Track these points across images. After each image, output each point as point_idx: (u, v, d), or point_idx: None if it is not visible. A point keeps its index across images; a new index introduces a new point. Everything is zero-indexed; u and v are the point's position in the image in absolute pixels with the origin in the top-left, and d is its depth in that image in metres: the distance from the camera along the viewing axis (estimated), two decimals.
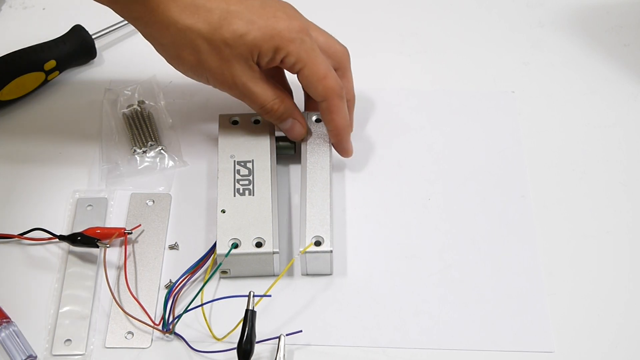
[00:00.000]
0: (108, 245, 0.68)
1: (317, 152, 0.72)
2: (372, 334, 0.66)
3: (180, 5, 0.66)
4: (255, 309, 0.63)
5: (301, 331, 0.65)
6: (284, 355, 0.63)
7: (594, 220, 0.73)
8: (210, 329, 0.65)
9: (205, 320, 0.65)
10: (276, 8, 0.68)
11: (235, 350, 0.62)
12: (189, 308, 0.65)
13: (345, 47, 0.73)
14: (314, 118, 0.74)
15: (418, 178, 0.76)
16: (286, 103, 0.71)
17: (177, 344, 0.65)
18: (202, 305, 0.66)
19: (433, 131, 0.79)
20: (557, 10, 0.89)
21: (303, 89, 0.71)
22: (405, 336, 0.66)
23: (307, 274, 0.69)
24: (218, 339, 0.65)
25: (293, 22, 0.68)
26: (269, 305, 0.67)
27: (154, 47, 0.69)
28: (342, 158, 0.76)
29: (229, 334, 0.65)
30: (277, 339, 0.63)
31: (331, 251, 0.67)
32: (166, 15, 0.66)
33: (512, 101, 0.81)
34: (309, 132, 0.73)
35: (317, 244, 0.67)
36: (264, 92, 0.69)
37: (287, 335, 0.63)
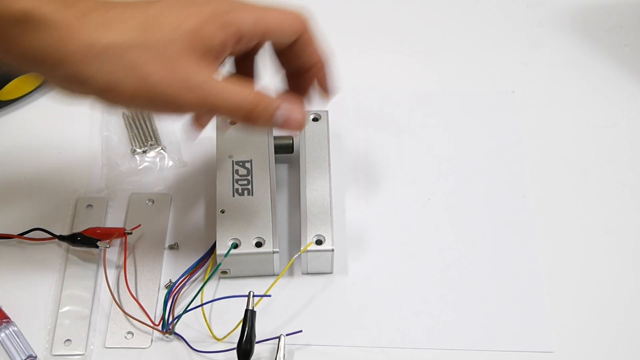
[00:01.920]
0: (108, 246, 0.68)
1: (316, 151, 0.72)
2: (372, 334, 0.66)
3: (94, 24, 0.54)
4: (255, 309, 0.62)
5: (301, 331, 0.65)
6: (284, 355, 0.62)
7: (594, 220, 0.73)
8: (210, 329, 0.65)
9: (205, 320, 0.65)
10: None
11: (235, 350, 0.62)
12: (188, 308, 0.65)
13: (298, 13, 0.60)
14: (311, 117, 0.74)
15: (418, 178, 0.76)
16: (265, 92, 0.58)
17: (177, 344, 0.65)
18: (202, 305, 0.66)
19: (433, 131, 0.79)
20: (557, 10, 0.89)
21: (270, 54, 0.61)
22: (405, 336, 0.66)
23: (308, 273, 0.69)
24: (218, 339, 0.65)
25: (222, 0, 0.58)
26: (269, 305, 0.67)
27: (77, 93, 0.56)
28: (342, 158, 0.76)
29: (229, 334, 0.65)
30: (277, 339, 0.63)
31: (333, 250, 0.67)
32: (80, 39, 0.53)
33: (512, 101, 0.81)
34: (305, 132, 0.73)
35: (319, 242, 0.67)
36: (234, 87, 0.57)
37: (287, 335, 0.63)
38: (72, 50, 0.53)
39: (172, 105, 0.56)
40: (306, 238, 0.67)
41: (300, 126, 0.60)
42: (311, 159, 0.72)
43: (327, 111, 0.75)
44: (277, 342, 0.63)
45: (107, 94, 0.55)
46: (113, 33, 0.54)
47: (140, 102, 0.56)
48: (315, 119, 0.74)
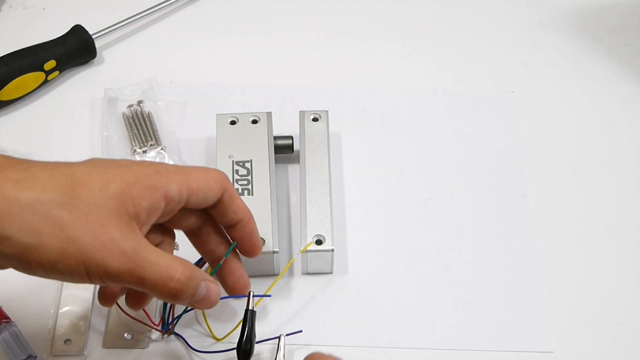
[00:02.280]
0: None
1: (315, 151, 0.72)
2: (372, 334, 0.66)
3: (14, 180, 0.50)
4: (255, 309, 0.62)
5: (301, 331, 0.65)
6: (284, 355, 0.62)
7: (594, 220, 0.73)
8: (210, 330, 0.65)
9: (206, 320, 0.65)
10: (120, 161, 0.56)
11: (235, 350, 0.62)
12: (188, 308, 0.65)
13: (217, 171, 0.59)
14: (311, 117, 0.74)
15: (418, 178, 0.76)
16: (191, 266, 0.55)
17: (177, 344, 0.65)
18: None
19: (433, 131, 0.79)
20: (557, 10, 0.89)
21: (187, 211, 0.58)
22: (405, 336, 0.66)
23: (308, 273, 0.69)
24: (218, 339, 0.65)
25: (144, 164, 0.56)
26: (269, 305, 0.67)
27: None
28: (341, 158, 0.76)
29: (228, 334, 0.65)
30: (277, 339, 0.63)
31: (333, 250, 0.67)
32: (1, 194, 0.49)
33: (512, 101, 0.81)
34: (305, 132, 0.73)
35: (319, 242, 0.67)
36: (166, 260, 0.53)
37: (287, 335, 0.63)
38: None
39: (100, 271, 0.51)
40: (306, 238, 0.67)
41: (215, 302, 0.57)
42: (311, 159, 0.72)
43: (327, 111, 0.75)
44: (277, 342, 0.63)
45: (31, 254, 0.49)
46: (36, 190, 0.50)
47: (66, 265, 0.50)
48: (315, 119, 0.74)
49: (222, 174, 0.58)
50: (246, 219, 0.60)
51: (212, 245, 0.61)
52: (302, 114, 0.74)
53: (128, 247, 0.51)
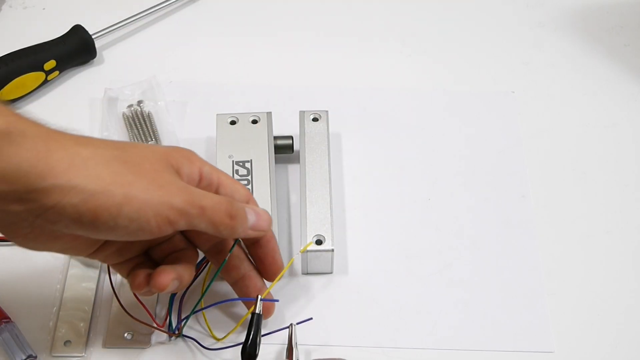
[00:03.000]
0: None
1: (315, 151, 0.72)
2: (372, 334, 0.66)
3: (73, 138, 0.54)
4: (261, 313, 0.62)
5: (312, 318, 0.64)
6: (296, 343, 0.62)
7: (594, 220, 0.73)
8: (210, 331, 0.65)
9: (206, 322, 0.65)
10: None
11: (240, 352, 0.62)
12: (195, 310, 0.65)
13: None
14: (311, 117, 0.74)
15: (418, 178, 0.76)
16: (232, 199, 0.59)
17: (177, 343, 0.65)
18: (209, 307, 0.66)
19: (433, 131, 0.79)
20: (557, 10, 0.89)
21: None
22: (405, 336, 0.66)
23: (308, 273, 0.69)
24: (218, 339, 0.65)
25: (181, 147, 0.60)
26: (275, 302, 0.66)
27: (62, 213, 0.51)
28: (341, 158, 0.76)
29: (227, 335, 0.65)
30: (288, 328, 0.63)
31: (333, 250, 0.67)
32: (64, 148, 0.52)
33: (512, 101, 0.81)
34: (305, 132, 0.73)
35: (319, 242, 0.67)
36: (211, 193, 0.58)
37: (297, 324, 0.63)
38: (57, 160, 0.51)
39: (165, 208, 0.54)
40: (306, 238, 0.67)
41: (268, 225, 0.61)
42: (311, 159, 0.72)
43: (327, 111, 0.75)
44: (289, 331, 0.63)
45: (98, 198, 0.52)
46: (93, 146, 0.54)
47: (132, 208, 0.53)
48: (315, 119, 0.74)
49: (248, 191, 0.62)
50: (269, 236, 0.63)
51: (236, 262, 0.63)
52: (302, 114, 0.75)
53: (182, 185, 0.56)
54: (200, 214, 0.55)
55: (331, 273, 0.69)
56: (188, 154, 0.59)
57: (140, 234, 0.54)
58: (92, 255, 0.58)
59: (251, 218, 0.59)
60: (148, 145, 0.58)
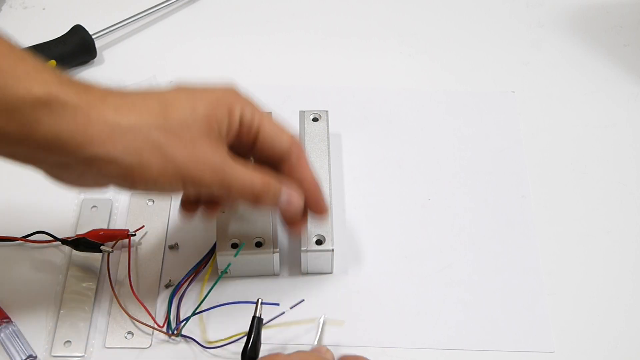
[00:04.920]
0: (111, 251, 0.68)
1: (315, 152, 0.72)
2: (372, 334, 0.66)
3: (113, 106, 0.54)
4: (262, 317, 0.62)
5: (303, 300, 0.66)
6: (319, 336, 0.63)
7: (594, 220, 0.73)
8: (205, 335, 0.65)
9: (202, 325, 0.65)
10: (203, 84, 0.60)
11: (240, 356, 0.62)
12: (196, 311, 0.65)
13: (295, 137, 0.63)
14: (311, 117, 0.74)
15: (418, 178, 0.76)
16: (273, 177, 0.61)
17: (177, 343, 0.65)
18: (209, 309, 0.66)
19: (433, 131, 0.79)
20: (557, 10, 0.89)
21: (260, 153, 0.62)
22: (405, 336, 0.66)
23: (308, 273, 0.69)
24: (211, 342, 0.65)
25: (227, 88, 0.61)
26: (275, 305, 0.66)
27: (104, 175, 0.55)
28: (342, 158, 0.76)
29: (225, 343, 0.65)
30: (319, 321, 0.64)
31: (333, 250, 0.67)
32: (104, 120, 0.53)
33: (512, 101, 0.81)
34: (305, 132, 0.73)
35: (319, 242, 0.67)
36: (249, 171, 0.59)
37: (291, 307, 0.64)
38: (96, 130, 0.53)
39: (195, 184, 0.57)
40: (307, 238, 0.67)
41: (299, 209, 0.62)
42: (311, 159, 0.72)
43: (327, 111, 0.75)
44: (318, 324, 0.64)
45: (134, 173, 0.55)
46: (134, 115, 0.55)
47: (166, 181, 0.56)
48: (315, 119, 0.74)
49: (298, 141, 0.62)
50: (312, 189, 0.63)
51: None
52: (302, 114, 0.74)
53: (217, 161, 0.57)
54: (227, 193, 0.59)
55: (331, 273, 0.69)
56: (229, 106, 0.59)
57: (171, 195, 0.62)
58: None
59: (283, 200, 0.61)
60: (191, 105, 0.57)
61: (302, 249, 0.67)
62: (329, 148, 0.73)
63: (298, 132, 0.74)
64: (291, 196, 0.61)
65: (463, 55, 0.85)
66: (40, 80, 0.52)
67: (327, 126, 0.74)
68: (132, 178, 0.55)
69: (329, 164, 0.72)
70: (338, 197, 0.74)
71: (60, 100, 0.52)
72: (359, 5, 0.90)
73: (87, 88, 0.54)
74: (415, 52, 0.86)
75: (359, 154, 0.77)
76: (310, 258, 0.68)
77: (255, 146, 0.61)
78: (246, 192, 0.59)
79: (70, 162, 0.54)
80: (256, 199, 0.59)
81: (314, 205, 0.64)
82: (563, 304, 0.68)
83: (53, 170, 0.55)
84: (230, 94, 0.59)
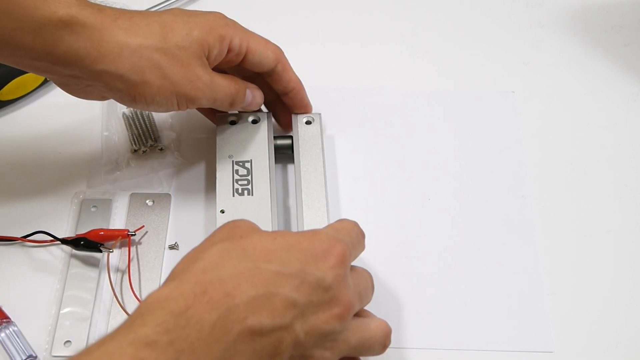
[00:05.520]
0: (111, 250, 0.68)
1: (310, 154, 0.72)
2: None
3: (123, 28, 0.63)
4: None
5: None
6: None
7: (594, 220, 0.73)
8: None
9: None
10: (196, 12, 0.68)
11: None
12: None
13: (277, 46, 0.72)
14: (304, 120, 0.74)
15: (418, 178, 0.76)
16: (241, 82, 0.71)
17: None
18: None
19: (433, 131, 0.79)
20: (557, 10, 0.89)
21: (247, 71, 0.71)
22: (405, 336, 0.66)
23: None
24: None
25: (217, 15, 0.69)
26: None
27: (109, 89, 0.65)
28: (342, 159, 0.76)
29: None
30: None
31: None
32: (115, 40, 0.63)
33: (512, 101, 0.81)
34: (300, 135, 0.73)
35: None
36: (227, 81, 0.69)
37: None
38: (109, 49, 0.62)
39: (188, 101, 0.67)
40: None
41: (259, 104, 0.73)
42: (306, 162, 0.72)
43: (319, 114, 0.75)
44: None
45: (136, 89, 0.64)
46: (140, 37, 0.64)
47: (163, 97, 0.65)
48: (308, 122, 0.74)
49: (279, 49, 0.71)
50: (297, 89, 0.73)
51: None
52: (295, 117, 0.74)
53: (207, 80, 0.67)
54: (212, 103, 0.68)
55: None
56: (221, 33, 0.67)
57: (167, 111, 0.68)
58: None
59: (247, 99, 0.71)
60: (188, 30, 0.66)
61: None
62: (323, 151, 0.73)
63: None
64: (255, 97, 0.71)
65: (463, 55, 0.85)
66: (64, 3, 0.61)
67: (321, 129, 0.74)
68: (133, 94, 0.64)
69: (324, 167, 0.71)
70: (339, 197, 0.74)
71: (80, 21, 0.61)
72: (359, 5, 0.90)
73: (101, 9, 0.63)
74: (415, 52, 0.86)
75: (359, 154, 0.77)
76: None
77: (242, 65, 0.70)
78: (226, 100, 0.69)
79: (82, 75, 0.63)
80: (232, 103, 0.69)
81: (299, 102, 0.73)
82: (563, 304, 0.68)
83: (63, 80, 0.65)
84: (220, 21, 0.68)
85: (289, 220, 0.73)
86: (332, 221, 0.68)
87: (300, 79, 0.73)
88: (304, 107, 0.74)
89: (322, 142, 0.73)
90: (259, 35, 0.70)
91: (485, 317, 0.67)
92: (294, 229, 0.72)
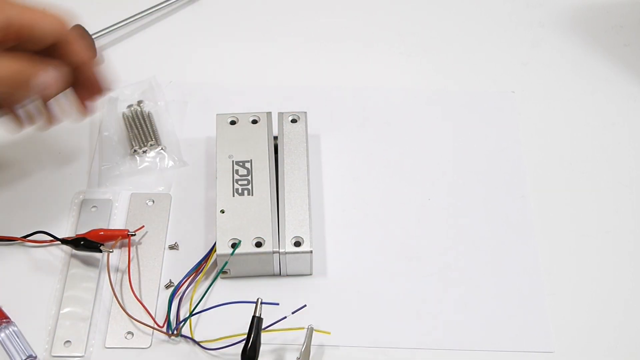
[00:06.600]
0: (111, 251, 0.68)
1: (293, 153, 0.72)
2: (371, 334, 0.66)
3: None
4: (262, 316, 0.62)
5: (305, 305, 0.64)
6: (307, 345, 0.62)
7: (594, 220, 0.73)
8: (192, 334, 0.65)
9: (191, 330, 0.65)
10: None
11: (240, 356, 0.62)
12: (195, 312, 0.65)
13: (58, 15, 0.65)
14: (290, 118, 0.74)
15: (418, 178, 0.76)
16: (31, 61, 0.62)
17: (177, 343, 0.65)
18: (209, 309, 0.66)
19: (433, 131, 0.79)
20: (557, 10, 0.89)
21: (26, 47, 0.63)
22: (404, 336, 0.66)
23: (288, 275, 0.69)
24: (211, 342, 0.65)
25: None
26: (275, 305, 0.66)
27: None
28: (342, 158, 0.76)
29: (225, 344, 0.65)
30: (306, 330, 0.63)
31: (311, 251, 0.67)
32: None
33: (512, 101, 0.81)
34: (284, 133, 0.73)
35: (297, 244, 0.67)
36: (5, 60, 0.61)
37: (293, 312, 0.63)
38: None
39: None
40: (284, 239, 0.67)
41: (56, 91, 0.65)
42: (289, 161, 0.72)
43: (305, 112, 0.75)
44: (305, 334, 0.63)
45: None
46: None
47: None
48: (293, 121, 0.74)
49: (63, 20, 0.64)
50: (87, 64, 0.66)
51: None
52: (280, 115, 0.74)
53: None
54: None
55: (311, 275, 0.69)
56: None
57: None
58: None
59: (40, 83, 0.62)
60: None
61: (280, 250, 0.67)
62: (307, 150, 0.72)
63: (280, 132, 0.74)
64: (51, 78, 0.63)
65: (462, 55, 0.85)
66: None
67: (306, 127, 0.74)
68: None
69: (308, 166, 0.71)
70: (338, 197, 0.74)
71: None
72: (358, 5, 0.90)
73: None
74: (415, 52, 0.86)
75: (359, 155, 0.77)
76: (289, 260, 0.67)
77: (23, 45, 0.62)
78: (8, 84, 0.61)
79: None
80: (13, 86, 0.61)
81: (91, 79, 0.67)
82: (563, 304, 0.68)
83: None
84: None
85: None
86: (314, 220, 0.68)
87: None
88: (97, 85, 0.67)
89: (307, 140, 0.73)
90: (37, 8, 0.63)
91: (485, 317, 0.67)
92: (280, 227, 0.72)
